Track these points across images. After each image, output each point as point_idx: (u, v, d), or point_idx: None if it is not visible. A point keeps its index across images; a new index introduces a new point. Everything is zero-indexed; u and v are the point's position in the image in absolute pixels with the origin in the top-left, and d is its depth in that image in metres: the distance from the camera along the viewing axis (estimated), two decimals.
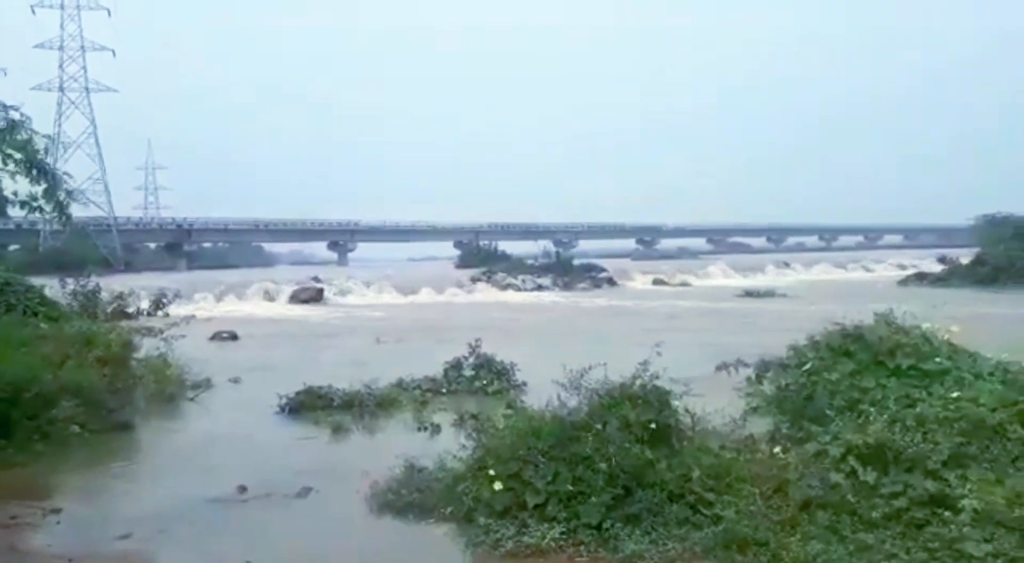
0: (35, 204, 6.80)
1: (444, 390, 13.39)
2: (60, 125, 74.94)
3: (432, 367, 14.13)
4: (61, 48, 77.29)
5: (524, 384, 13.46)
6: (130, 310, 24.50)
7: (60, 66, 77.41)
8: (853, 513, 6.12)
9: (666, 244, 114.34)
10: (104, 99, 79.09)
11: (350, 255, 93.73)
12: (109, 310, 19.83)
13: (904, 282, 44.02)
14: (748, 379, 9.11)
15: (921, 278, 44.13)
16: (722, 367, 8.92)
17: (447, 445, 10.01)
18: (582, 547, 6.15)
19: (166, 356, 14.17)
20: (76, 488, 8.59)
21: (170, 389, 13.47)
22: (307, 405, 12.26)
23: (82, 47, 77.57)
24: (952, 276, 42.36)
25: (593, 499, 6.35)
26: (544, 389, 13.27)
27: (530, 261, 54.85)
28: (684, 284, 49.13)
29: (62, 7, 76.55)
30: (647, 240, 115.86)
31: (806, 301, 32.82)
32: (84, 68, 77.78)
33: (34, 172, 6.45)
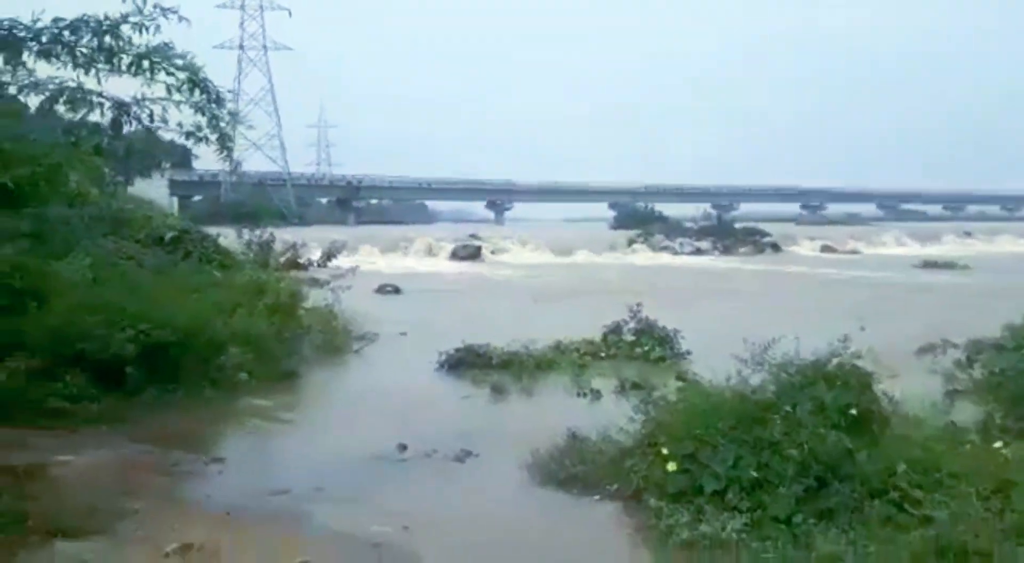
0: (200, 134, 6.67)
1: (603, 354, 12.92)
2: (240, 83, 78.66)
3: (590, 330, 13.67)
4: (242, 8, 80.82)
5: (688, 353, 12.81)
6: (302, 261, 25.30)
7: (241, 25, 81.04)
8: None
9: (834, 209, 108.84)
10: (280, 57, 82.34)
11: (507, 214, 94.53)
12: (282, 260, 20.47)
13: None
14: (956, 362, 8.09)
15: None
16: (927, 349, 7.91)
17: (609, 414, 9.56)
18: (768, 542, 5.48)
19: (333, 307, 14.35)
20: (240, 437, 8.65)
21: (336, 340, 13.63)
22: (466, 363, 12.09)
23: (261, 6, 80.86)
24: None
25: (782, 489, 5.68)
26: (711, 359, 12.51)
27: (688, 223, 53.32)
28: (854, 252, 46.47)
29: None
30: (813, 205, 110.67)
31: (993, 274, 30.13)
32: (263, 27, 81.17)
33: (198, 94, 6.30)
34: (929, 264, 35.05)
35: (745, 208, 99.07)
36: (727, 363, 11.28)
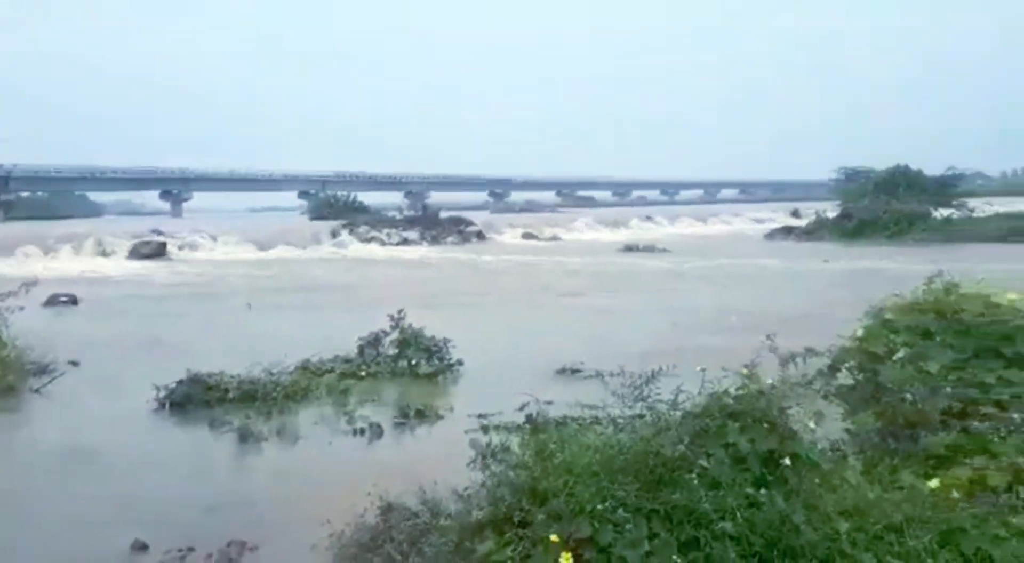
0: None
1: (363, 373, 10.93)
2: None
3: (335, 341, 11.68)
4: None
5: (460, 364, 11.24)
6: None
7: None
8: None
9: (515, 197, 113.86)
10: None
11: (185, 205, 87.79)
12: None
13: (771, 236, 44.17)
14: (819, 372, 7.24)
15: (788, 232, 44.35)
16: (788, 359, 7.00)
17: (405, 459, 7.83)
18: None
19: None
20: None
21: (7, 377, 10.42)
22: (195, 398, 9.57)
23: None
24: (819, 229, 42.70)
25: None
26: (487, 371, 11.28)
27: (392, 213, 51.97)
28: (555, 238, 47.72)
29: None
30: (498, 192, 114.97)
31: (699, 256, 31.73)
32: None
33: None
34: (631, 248, 36.38)
35: (436, 197, 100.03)
36: (514, 378, 10.02)
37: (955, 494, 4.97)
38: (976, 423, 5.77)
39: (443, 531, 5.26)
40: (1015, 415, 5.65)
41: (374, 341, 11.47)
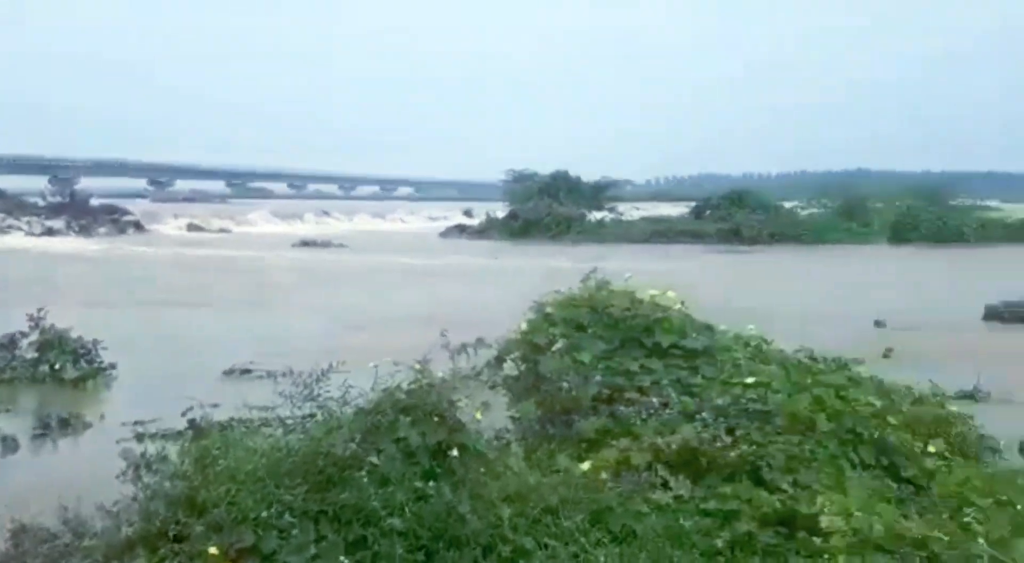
0: None
1: None
2: None
3: None
4: None
5: (113, 367, 10.29)
6: None
7: None
8: (692, 545, 4.86)
9: (180, 186, 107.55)
10: None
11: None
12: None
13: (446, 234, 45.56)
14: (488, 363, 7.46)
15: (461, 230, 46.01)
16: (459, 350, 7.10)
17: (51, 473, 7.05)
18: None
19: None
20: None
21: None
22: None
23: None
24: (490, 229, 44.77)
25: None
26: (145, 374, 10.47)
27: (34, 200, 46.66)
28: (224, 230, 45.59)
29: None
30: (160, 180, 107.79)
31: (377, 253, 31.85)
32: None
33: None
34: (308, 243, 35.69)
35: (87, 184, 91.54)
36: (176, 381, 9.38)
37: (604, 475, 5.38)
38: (622, 407, 6.29)
39: (87, 551, 4.77)
40: (654, 399, 6.22)
41: (9, 344, 10.21)
